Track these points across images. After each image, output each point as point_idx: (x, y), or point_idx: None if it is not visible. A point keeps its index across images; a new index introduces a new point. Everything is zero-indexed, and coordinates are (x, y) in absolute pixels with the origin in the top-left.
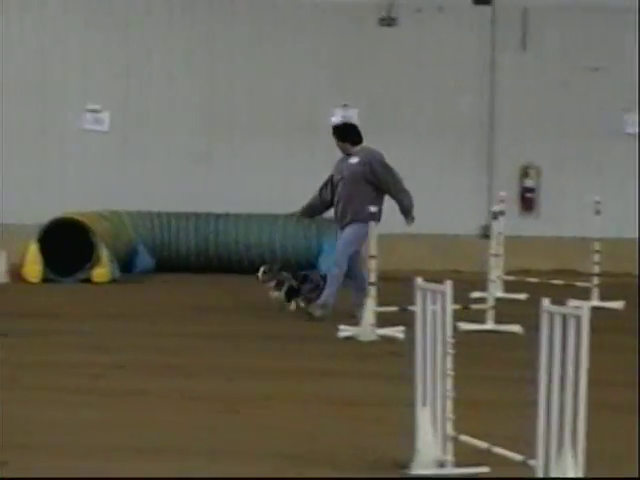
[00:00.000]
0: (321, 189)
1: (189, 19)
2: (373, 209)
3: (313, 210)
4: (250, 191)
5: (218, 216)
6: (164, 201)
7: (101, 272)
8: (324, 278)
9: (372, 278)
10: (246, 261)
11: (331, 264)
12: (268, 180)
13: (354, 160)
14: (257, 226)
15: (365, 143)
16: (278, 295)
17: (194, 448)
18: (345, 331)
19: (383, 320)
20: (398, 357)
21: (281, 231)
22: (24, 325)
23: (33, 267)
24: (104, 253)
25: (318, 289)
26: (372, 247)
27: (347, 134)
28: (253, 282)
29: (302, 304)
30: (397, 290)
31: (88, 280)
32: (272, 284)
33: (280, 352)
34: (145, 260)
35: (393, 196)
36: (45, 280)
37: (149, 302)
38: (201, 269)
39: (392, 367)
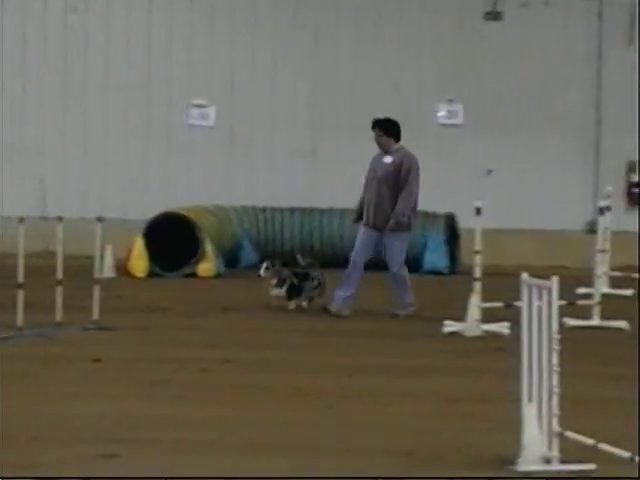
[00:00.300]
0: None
1: (295, 17)
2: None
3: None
4: (354, 186)
5: (323, 211)
6: (269, 196)
7: (206, 267)
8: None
9: (477, 273)
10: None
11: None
12: None
13: (388, 160)
14: None
15: (471, 138)
16: (279, 293)
17: (301, 444)
18: (450, 327)
19: (488, 315)
20: (503, 353)
21: None
22: (131, 320)
23: (139, 262)
24: (209, 248)
25: (320, 287)
26: (477, 242)
27: (392, 129)
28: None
29: (304, 304)
30: (502, 285)
31: (193, 275)
32: (274, 281)
33: (386, 349)
34: (250, 255)
35: (398, 200)
36: (151, 275)
37: (253, 297)
38: None
39: (497, 363)
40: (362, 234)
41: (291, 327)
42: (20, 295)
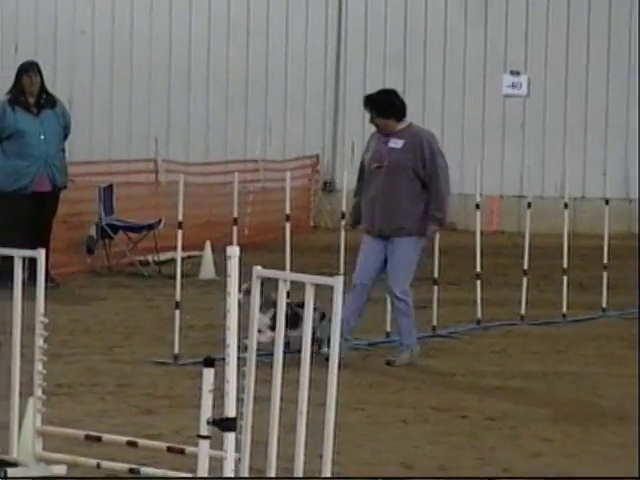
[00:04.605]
0: (359, 184)
1: None
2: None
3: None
4: None
5: None
6: None
7: None
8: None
9: None
10: None
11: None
12: None
13: (397, 144)
14: None
15: None
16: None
17: None
18: None
19: None
20: None
21: None
22: None
23: None
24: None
25: (322, 325)
26: None
27: (390, 107)
28: None
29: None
30: None
31: None
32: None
33: None
34: None
35: (433, 194)
36: None
37: None
38: None
39: None
40: (366, 247)
41: None
42: (604, 276)
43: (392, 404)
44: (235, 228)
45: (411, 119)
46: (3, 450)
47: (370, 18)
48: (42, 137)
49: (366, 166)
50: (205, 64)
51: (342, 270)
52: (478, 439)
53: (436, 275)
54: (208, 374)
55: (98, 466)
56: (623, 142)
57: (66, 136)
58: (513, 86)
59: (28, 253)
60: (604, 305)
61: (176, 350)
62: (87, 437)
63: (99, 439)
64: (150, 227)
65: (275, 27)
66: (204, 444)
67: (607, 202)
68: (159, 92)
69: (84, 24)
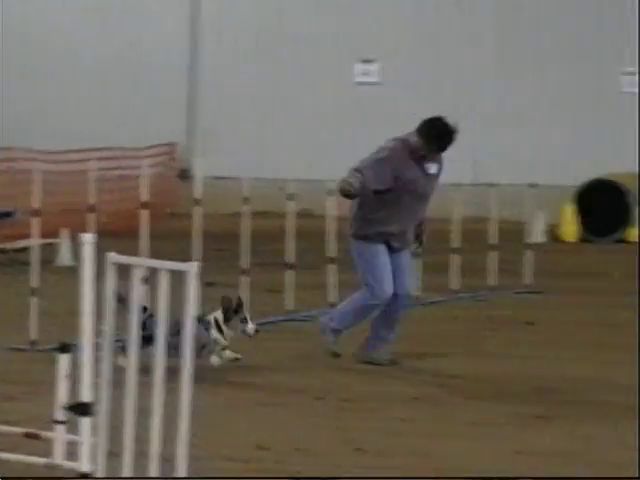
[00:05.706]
0: (380, 181)
1: None
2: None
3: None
4: None
5: None
6: None
7: (635, 233)
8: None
9: None
10: None
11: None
12: None
13: (434, 169)
14: None
15: None
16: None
17: None
18: None
19: None
20: None
21: None
22: (562, 284)
23: (569, 227)
24: (637, 214)
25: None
26: None
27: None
28: None
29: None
30: None
31: (623, 240)
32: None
33: None
34: None
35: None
36: (582, 240)
37: None
38: None
39: None
40: (383, 259)
41: None
42: (455, 259)
43: (249, 387)
44: (92, 215)
45: (264, 110)
46: None
47: (225, 5)
48: None
49: (399, 188)
50: (62, 50)
51: (197, 257)
52: (335, 420)
53: (292, 260)
54: (63, 360)
55: None
56: (472, 128)
57: None
58: (365, 74)
59: None
60: (457, 287)
61: (32, 336)
62: None
63: None
64: (7, 215)
65: (129, 12)
66: (60, 429)
67: (456, 187)
68: (16, 79)
69: None
